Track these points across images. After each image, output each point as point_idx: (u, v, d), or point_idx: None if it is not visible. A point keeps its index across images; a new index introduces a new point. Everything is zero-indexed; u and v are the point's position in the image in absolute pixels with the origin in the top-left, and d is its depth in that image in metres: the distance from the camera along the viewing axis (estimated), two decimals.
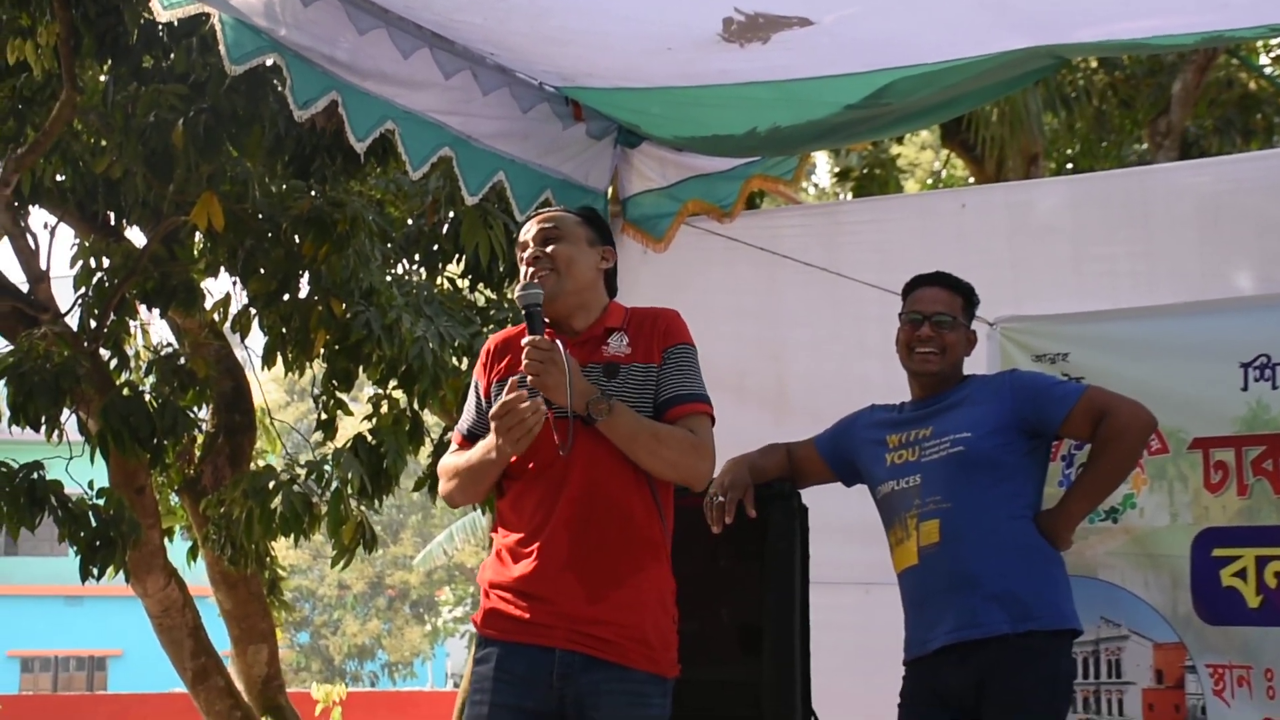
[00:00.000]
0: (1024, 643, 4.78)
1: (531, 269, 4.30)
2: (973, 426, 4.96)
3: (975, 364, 5.48)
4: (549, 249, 4.31)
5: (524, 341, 4.13)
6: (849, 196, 15.14)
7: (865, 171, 14.90)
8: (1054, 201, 6.33)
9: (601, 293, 4.39)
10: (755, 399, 6.51)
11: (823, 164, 24.17)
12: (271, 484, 8.49)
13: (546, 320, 4.23)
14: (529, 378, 4.10)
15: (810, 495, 5.29)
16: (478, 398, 4.39)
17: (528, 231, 4.38)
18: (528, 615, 4.14)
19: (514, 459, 4.19)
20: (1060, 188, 6.95)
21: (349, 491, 8.46)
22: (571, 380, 4.07)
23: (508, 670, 4.16)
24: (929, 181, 18.93)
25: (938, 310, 5.14)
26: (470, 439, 4.35)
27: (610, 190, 6.65)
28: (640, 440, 4.14)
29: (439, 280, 10.12)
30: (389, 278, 9.34)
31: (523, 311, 4.19)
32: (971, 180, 15.08)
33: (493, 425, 4.13)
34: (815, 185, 26.70)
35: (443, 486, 4.40)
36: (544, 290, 4.22)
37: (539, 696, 4.13)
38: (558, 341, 4.14)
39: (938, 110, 6.01)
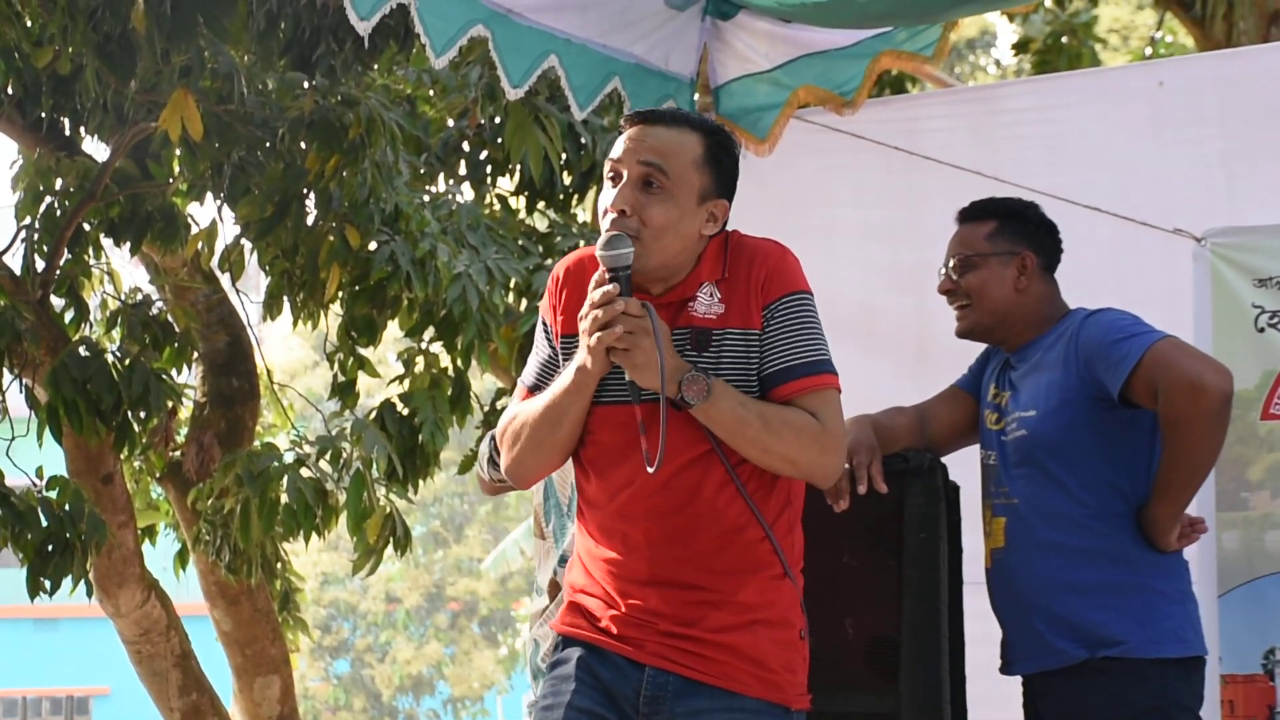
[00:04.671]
0: (1109, 668, 4.84)
1: (611, 222, 4.17)
2: (1036, 401, 4.99)
3: (1182, 292, 5.47)
4: (642, 209, 4.16)
5: (597, 293, 4.08)
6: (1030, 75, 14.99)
7: (1050, 42, 14.71)
8: None
9: (698, 250, 4.27)
10: (888, 344, 6.54)
11: (1005, 34, 24.03)
12: (274, 466, 8.55)
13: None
14: (607, 347, 4.06)
15: (961, 471, 5.27)
16: (548, 338, 4.38)
17: (624, 148, 4.24)
18: (614, 628, 4.20)
19: (593, 434, 4.22)
20: None
21: (374, 475, 8.51)
22: (664, 357, 4.05)
23: (590, 672, 4.22)
24: (1146, 53, 18.69)
25: (951, 255, 5.21)
26: (537, 393, 4.33)
27: (698, 76, 6.66)
28: (748, 431, 4.11)
29: (487, 199, 10.15)
30: (423, 198, 9.36)
31: (607, 275, 4.12)
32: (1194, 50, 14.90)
33: (581, 328, 4.10)
34: (996, 63, 26.59)
35: (505, 457, 4.36)
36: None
37: (621, 714, 4.19)
38: (648, 305, 4.09)
39: None
